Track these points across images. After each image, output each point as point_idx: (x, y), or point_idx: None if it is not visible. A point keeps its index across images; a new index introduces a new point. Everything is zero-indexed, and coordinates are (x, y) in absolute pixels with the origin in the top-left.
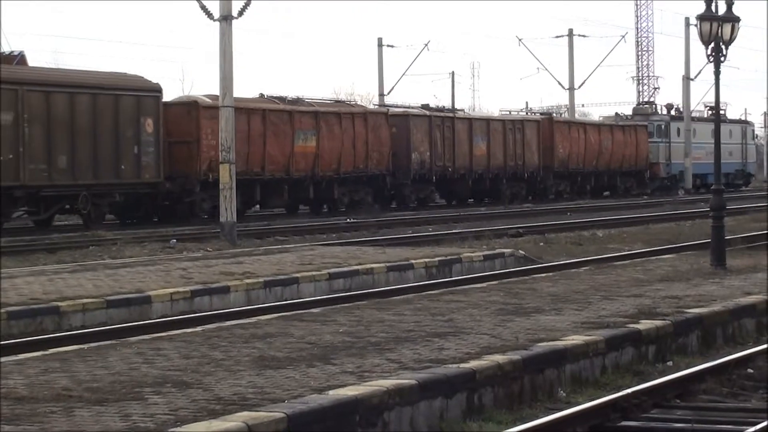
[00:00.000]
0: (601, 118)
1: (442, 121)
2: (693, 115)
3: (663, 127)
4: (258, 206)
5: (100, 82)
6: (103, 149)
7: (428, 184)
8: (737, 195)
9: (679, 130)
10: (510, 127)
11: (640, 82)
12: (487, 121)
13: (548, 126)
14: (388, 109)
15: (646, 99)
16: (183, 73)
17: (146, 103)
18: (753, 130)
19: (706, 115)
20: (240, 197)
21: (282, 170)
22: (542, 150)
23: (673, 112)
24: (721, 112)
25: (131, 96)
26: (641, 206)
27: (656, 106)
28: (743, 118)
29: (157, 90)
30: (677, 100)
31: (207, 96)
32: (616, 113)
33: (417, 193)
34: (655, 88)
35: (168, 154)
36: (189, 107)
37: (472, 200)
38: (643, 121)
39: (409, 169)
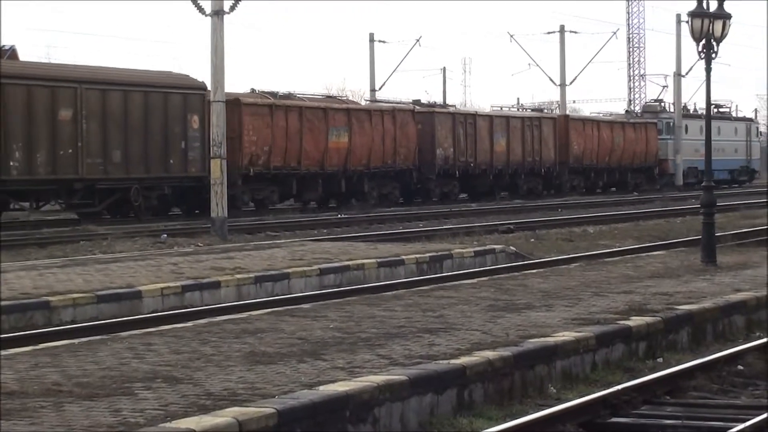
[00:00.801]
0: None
1: (465, 119)
2: (700, 112)
3: (671, 124)
4: (292, 200)
5: (151, 80)
6: (153, 145)
7: (452, 179)
8: (736, 191)
9: (687, 127)
10: (528, 124)
11: (632, 78)
12: (507, 119)
13: (564, 123)
14: (414, 107)
15: (637, 96)
16: (179, 67)
17: (192, 101)
18: (758, 128)
19: (712, 113)
20: (278, 190)
21: (317, 165)
22: (558, 146)
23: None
24: (725, 110)
25: (179, 94)
26: (632, 203)
27: (665, 104)
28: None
29: (202, 88)
30: (670, 97)
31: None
32: (626, 111)
33: (441, 188)
34: (664, 86)
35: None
36: (232, 105)
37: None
38: (653, 118)
39: (434, 164)
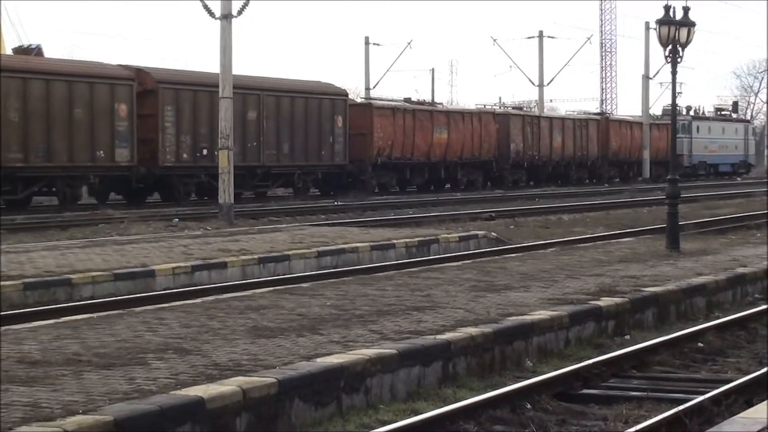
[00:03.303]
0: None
1: (531, 120)
2: (708, 115)
3: (686, 125)
4: (397, 187)
5: (309, 88)
6: (311, 139)
7: (521, 169)
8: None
9: (698, 127)
10: (578, 124)
11: (604, 80)
12: (562, 120)
13: (605, 124)
14: (494, 110)
15: (608, 96)
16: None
17: (337, 104)
18: (753, 128)
19: (715, 115)
20: (395, 176)
21: (424, 156)
22: (600, 143)
23: (692, 113)
24: (725, 113)
25: (328, 99)
26: (603, 193)
27: (680, 108)
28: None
29: (344, 94)
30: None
31: None
32: (649, 114)
33: (512, 176)
34: (679, 93)
35: (350, 143)
36: (365, 108)
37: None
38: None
39: (509, 156)
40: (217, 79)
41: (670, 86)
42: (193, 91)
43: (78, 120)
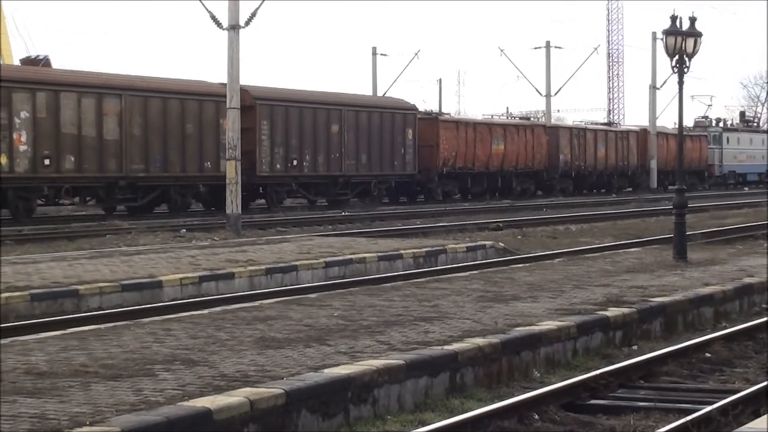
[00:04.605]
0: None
1: (578, 132)
2: (735, 126)
3: (717, 136)
4: (458, 194)
5: (383, 103)
6: (385, 150)
7: (569, 178)
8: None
9: (728, 138)
10: (620, 136)
11: (611, 90)
12: (606, 132)
13: (644, 135)
14: (545, 123)
15: (615, 106)
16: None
17: (408, 118)
18: None
19: (741, 127)
20: (458, 185)
21: (483, 166)
22: (639, 153)
23: (721, 125)
24: (753, 124)
25: (400, 113)
26: (610, 203)
27: (710, 120)
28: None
29: (414, 109)
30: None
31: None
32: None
33: (561, 185)
34: (709, 105)
35: (418, 154)
36: (431, 121)
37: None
38: (703, 131)
39: (558, 166)
40: (305, 96)
41: (697, 98)
42: (285, 107)
43: (189, 134)
